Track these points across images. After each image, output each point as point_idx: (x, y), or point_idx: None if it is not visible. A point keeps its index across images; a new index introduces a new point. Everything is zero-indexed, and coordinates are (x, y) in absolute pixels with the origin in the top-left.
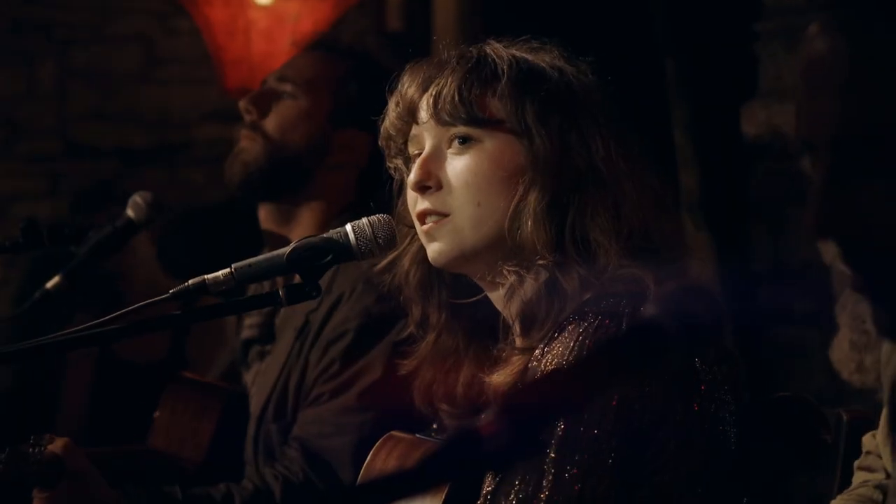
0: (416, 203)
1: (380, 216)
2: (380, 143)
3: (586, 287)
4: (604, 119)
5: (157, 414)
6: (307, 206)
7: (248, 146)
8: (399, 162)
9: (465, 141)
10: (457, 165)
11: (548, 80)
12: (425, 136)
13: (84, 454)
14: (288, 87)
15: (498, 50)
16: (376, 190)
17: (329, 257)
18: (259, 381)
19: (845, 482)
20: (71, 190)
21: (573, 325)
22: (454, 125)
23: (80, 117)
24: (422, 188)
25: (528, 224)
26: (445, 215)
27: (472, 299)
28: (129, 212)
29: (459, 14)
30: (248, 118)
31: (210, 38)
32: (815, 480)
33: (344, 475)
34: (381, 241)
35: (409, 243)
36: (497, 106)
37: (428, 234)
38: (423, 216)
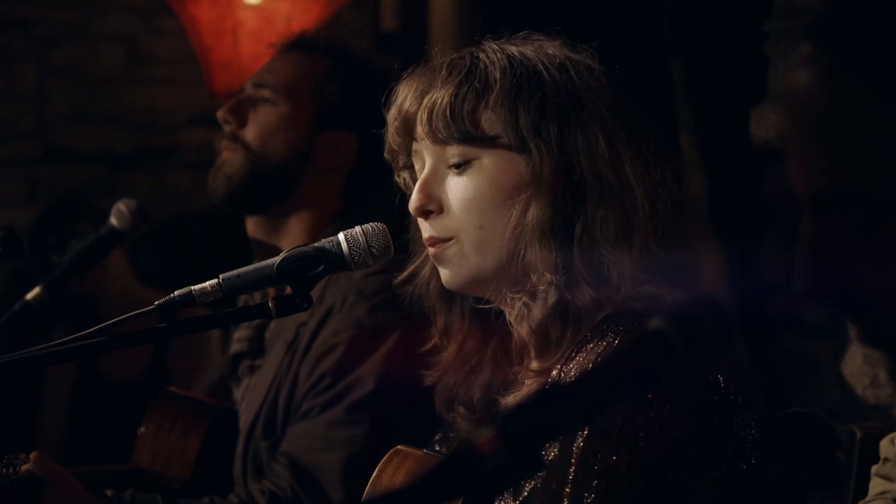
0: (422, 228)
1: (373, 224)
2: (385, 156)
3: (601, 306)
4: (610, 113)
5: (141, 430)
6: (296, 213)
7: (230, 158)
8: (406, 175)
9: (463, 161)
10: (456, 187)
11: (544, 82)
12: (424, 153)
13: (56, 463)
14: (266, 93)
15: (492, 53)
16: (366, 192)
17: (321, 267)
18: (249, 396)
19: (859, 501)
20: (51, 196)
21: (592, 345)
22: (449, 144)
23: (61, 120)
24: (423, 213)
25: (533, 245)
26: (450, 240)
27: (495, 304)
28: (113, 220)
29: (457, 13)
30: (227, 129)
31: (196, 39)
32: (828, 500)
33: (333, 491)
34: (374, 250)
35: (426, 254)
36: (491, 119)
37: (436, 258)
38: (429, 242)
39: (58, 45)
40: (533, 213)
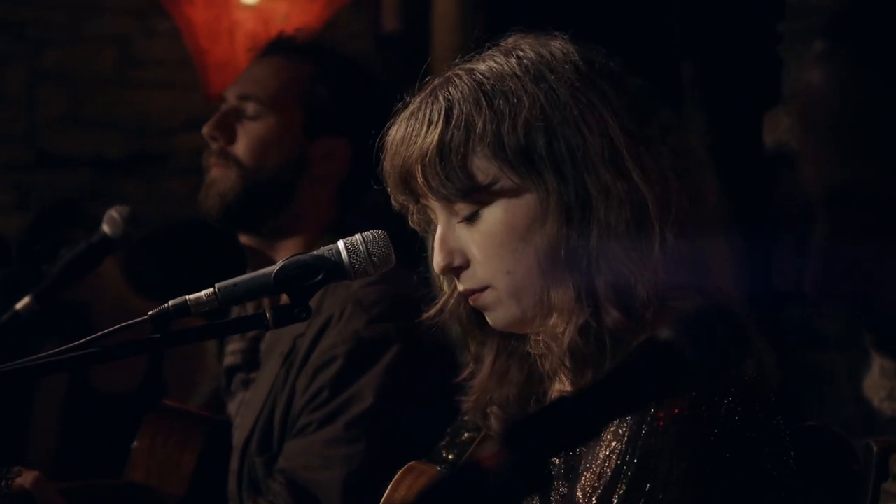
0: (457, 282)
1: (374, 232)
2: (394, 206)
3: (638, 327)
4: (600, 104)
5: (135, 444)
6: (291, 223)
7: (221, 176)
8: (421, 220)
9: (472, 213)
10: (474, 239)
11: (522, 104)
12: (434, 208)
13: (54, 488)
14: (251, 106)
15: (462, 85)
16: (359, 197)
17: (320, 276)
18: (243, 411)
19: None
20: (41, 203)
21: None
22: (454, 202)
23: (52, 124)
24: (451, 270)
25: (554, 281)
26: (485, 288)
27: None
28: (105, 227)
29: (460, 13)
30: (214, 146)
31: (192, 41)
32: None
33: None
34: (375, 258)
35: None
36: (483, 166)
37: (478, 306)
38: (465, 294)
39: (49, 47)
40: (544, 245)
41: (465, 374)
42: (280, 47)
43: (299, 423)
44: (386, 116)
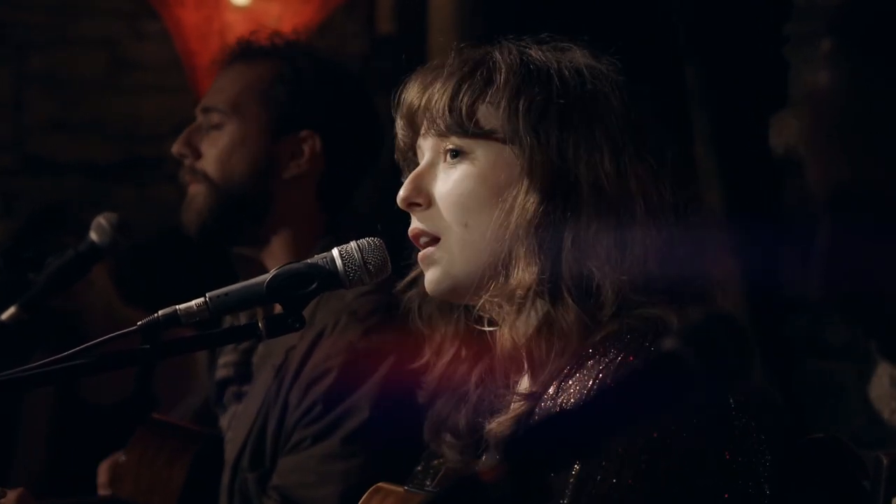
0: (411, 223)
1: (369, 239)
2: (395, 157)
3: (594, 326)
4: (622, 125)
5: (123, 459)
6: (274, 228)
7: (195, 192)
8: None
9: (457, 154)
10: (446, 181)
11: (552, 84)
12: (425, 147)
13: (35, 494)
14: (214, 118)
15: (506, 52)
16: (344, 198)
17: (314, 285)
18: (235, 424)
19: None
20: (28, 210)
21: (593, 361)
22: (447, 136)
23: (40, 129)
24: (410, 205)
25: (516, 246)
26: (437, 238)
27: (493, 328)
28: (93, 235)
29: (457, 16)
30: (185, 163)
31: (182, 43)
32: None
33: None
34: (371, 266)
35: None
36: (489, 113)
37: (422, 260)
38: (415, 237)
39: (36, 50)
40: (519, 211)
41: (422, 362)
42: (242, 54)
43: (294, 439)
44: (355, 106)
